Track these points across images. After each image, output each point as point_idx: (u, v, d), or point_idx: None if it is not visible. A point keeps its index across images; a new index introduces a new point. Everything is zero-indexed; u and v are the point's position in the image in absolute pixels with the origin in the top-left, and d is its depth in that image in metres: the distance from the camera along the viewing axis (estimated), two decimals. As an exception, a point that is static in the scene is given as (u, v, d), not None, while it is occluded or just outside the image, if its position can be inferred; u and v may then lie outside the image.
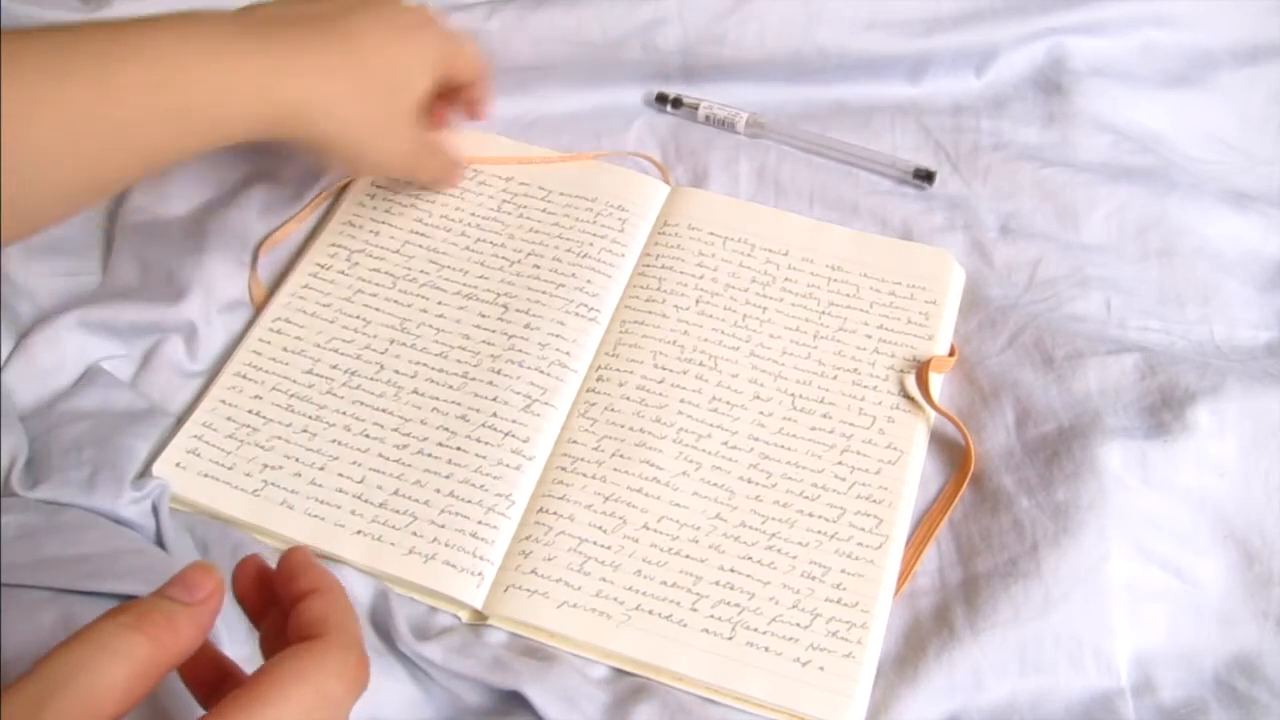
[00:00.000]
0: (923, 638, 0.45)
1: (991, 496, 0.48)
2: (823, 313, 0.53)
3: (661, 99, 0.62)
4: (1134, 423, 0.48)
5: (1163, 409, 0.48)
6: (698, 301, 0.53)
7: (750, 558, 0.46)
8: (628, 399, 0.50)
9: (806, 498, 0.47)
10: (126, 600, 0.37)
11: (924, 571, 0.47)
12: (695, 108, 0.62)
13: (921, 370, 0.50)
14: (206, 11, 0.43)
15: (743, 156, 0.60)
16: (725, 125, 0.61)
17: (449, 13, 0.60)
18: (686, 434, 0.49)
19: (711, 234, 0.55)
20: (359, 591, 0.45)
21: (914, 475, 0.48)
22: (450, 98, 0.53)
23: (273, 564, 0.33)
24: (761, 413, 0.50)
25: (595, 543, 0.46)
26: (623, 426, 0.49)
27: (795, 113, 0.62)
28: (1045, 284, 0.55)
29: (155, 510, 0.45)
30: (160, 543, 0.45)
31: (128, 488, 0.44)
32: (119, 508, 0.44)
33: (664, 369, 0.51)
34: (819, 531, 0.46)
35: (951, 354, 0.52)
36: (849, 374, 0.51)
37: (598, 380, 0.51)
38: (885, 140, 0.60)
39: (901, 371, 0.51)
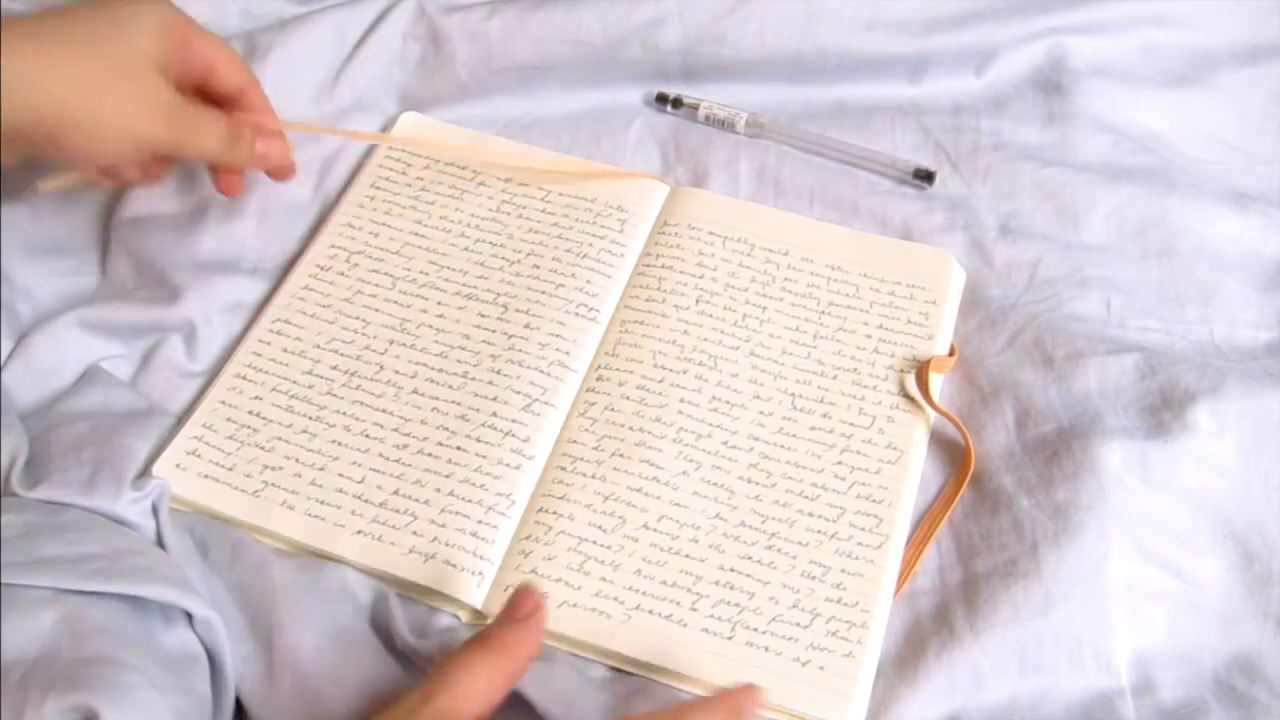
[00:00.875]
0: (923, 638, 0.45)
1: (991, 496, 0.48)
2: (822, 313, 0.53)
3: (661, 99, 0.62)
4: (1134, 423, 0.48)
5: (1163, 409, 0.48)
6: (697, 301, 0.53)
7: (750, 557, 0.46)
8: (627, 399, 0.50)
9: (806, 497, 0.47)
10: (128, 599, 0.38)
11: (924, 571, 0.47)
12: (695, 108, 0.62)
13: (921, 370, 0.50)
14: None
15: (743, 156, 0.60)
16: (725, 125, 0.61)
17: (449, 13, 0.60)
18: (686, 434, 0.49)
19: (711, 234, 0.55)
20: (358, 591, 0.45)
21: (914, 475, 0.48)
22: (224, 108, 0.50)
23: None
24: (761, 412, 0.50)
25: (595, 542, 0.46)
26: (622, 426, 0.49)
27: (795, 113, 0.62)
28: (1045, 284, 0.55)
29: (155, 510, 0.45)
30: (160, 543, 0.45)
31: (128, 488, 0.44)
32: (119, 508, 0.44)
33: (664, 369, 0.51)
34: (819, 531, 0.46)
35: (951, 354, 0.52)
36: (849, 374, 0.51)
37: (597, 380, 0.51)
38: (885, 140, 0.60)
39: (901, 371, 0.51)
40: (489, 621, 0.45)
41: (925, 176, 0.58)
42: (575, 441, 0.49)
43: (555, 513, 0.47)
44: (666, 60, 0.62)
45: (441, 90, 0.61)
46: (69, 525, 0.42)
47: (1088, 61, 0.62)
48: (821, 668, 0.43)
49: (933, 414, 0.50)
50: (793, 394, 0.50)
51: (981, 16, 0.62)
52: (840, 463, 0.48)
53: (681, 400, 0.50)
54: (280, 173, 0.54)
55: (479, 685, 0.36)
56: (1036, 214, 0.57)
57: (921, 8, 0.61)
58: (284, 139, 0.52)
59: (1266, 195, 0.59)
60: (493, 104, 0.62)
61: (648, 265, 0.55)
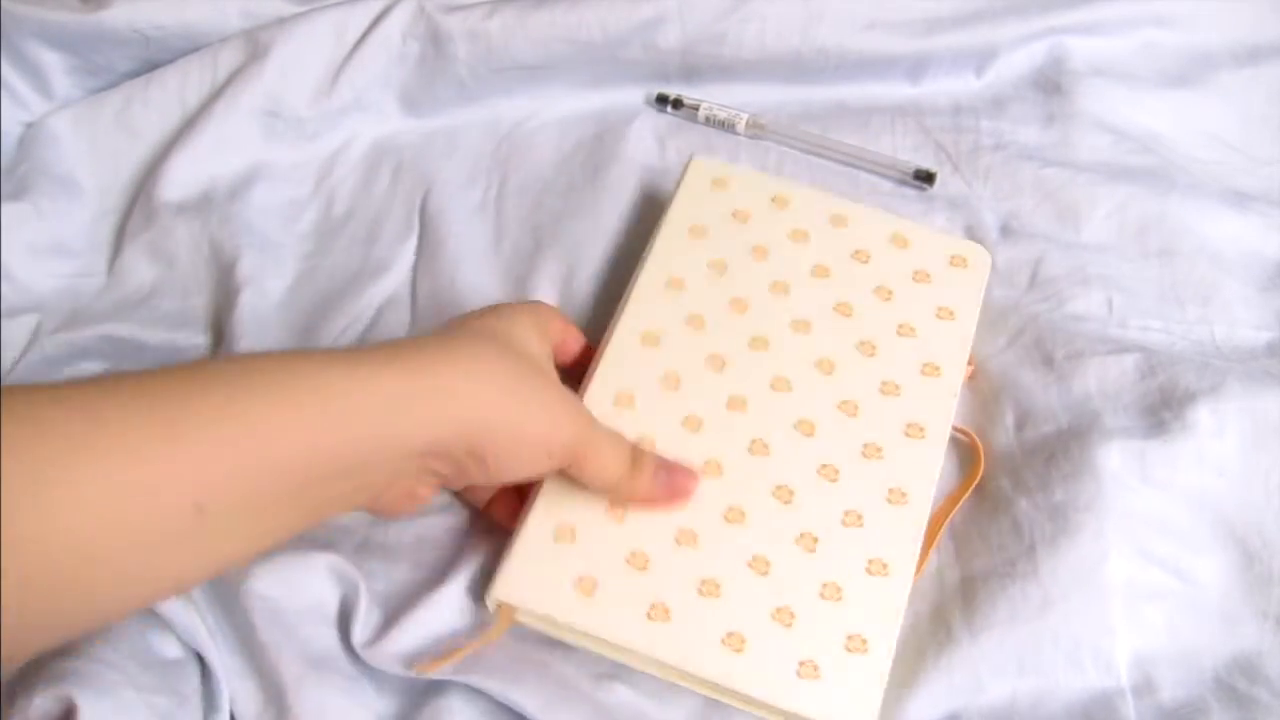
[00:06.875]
0: (921, 638, 0.44)
1: (990, 497, 0.47)
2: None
3: (661, 100, 0.62)
4: (1134, 423, 0.48)
5: (1163, 409, 0.48)
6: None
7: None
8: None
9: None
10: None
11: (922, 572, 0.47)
12: (695, 109, 0.62)
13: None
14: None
15: (743, 158, 0.60)
16: (725, 126, 0.61)
17: (449, 12, 0.60)
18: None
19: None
20: (327, 598, 0.44)
21: (933, 478, 0.47)
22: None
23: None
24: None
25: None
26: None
27: (795, 113, 0.62)
28: (1046, 283, 0.54)
29: None
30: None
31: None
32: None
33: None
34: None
35: (970, 362, 0.50)
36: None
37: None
38: (885, 140, 0.60)
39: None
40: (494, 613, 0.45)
41: (925, 177, 0.58)
42: None
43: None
44: (666, 60, 0.62)
45: (441, 90, 0.61)
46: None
47: (1088, 61, 0.62)
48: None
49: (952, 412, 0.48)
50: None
51: (981, 16, 0.62)
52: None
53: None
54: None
55: None
56: (1037, 214, 0.57)
57: (921, 8, 0.61)
58: (694, 476, 0.46)
59: (1266, 195, 0.59)
60: (493, 104, 0.62)
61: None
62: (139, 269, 0.55)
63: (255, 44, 0.59)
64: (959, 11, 0.62)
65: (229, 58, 0.59)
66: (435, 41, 0.60)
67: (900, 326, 0.50)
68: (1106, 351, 0.50)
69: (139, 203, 0.56)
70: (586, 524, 0.45)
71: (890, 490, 0.46)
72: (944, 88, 0.62)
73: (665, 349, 0.49)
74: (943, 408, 0.48)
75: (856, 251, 0.52)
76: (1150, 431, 0.47)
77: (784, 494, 0.46)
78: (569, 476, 0.43)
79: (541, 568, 0.44)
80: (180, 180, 0.56)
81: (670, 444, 0.47)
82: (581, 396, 0.47)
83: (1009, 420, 0.50)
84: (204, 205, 0.56)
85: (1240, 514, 0.46)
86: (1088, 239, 0.56)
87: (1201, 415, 0.47)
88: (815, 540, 0.45)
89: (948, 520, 0.47)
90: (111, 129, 0.58)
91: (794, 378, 0.49)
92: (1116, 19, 0.62)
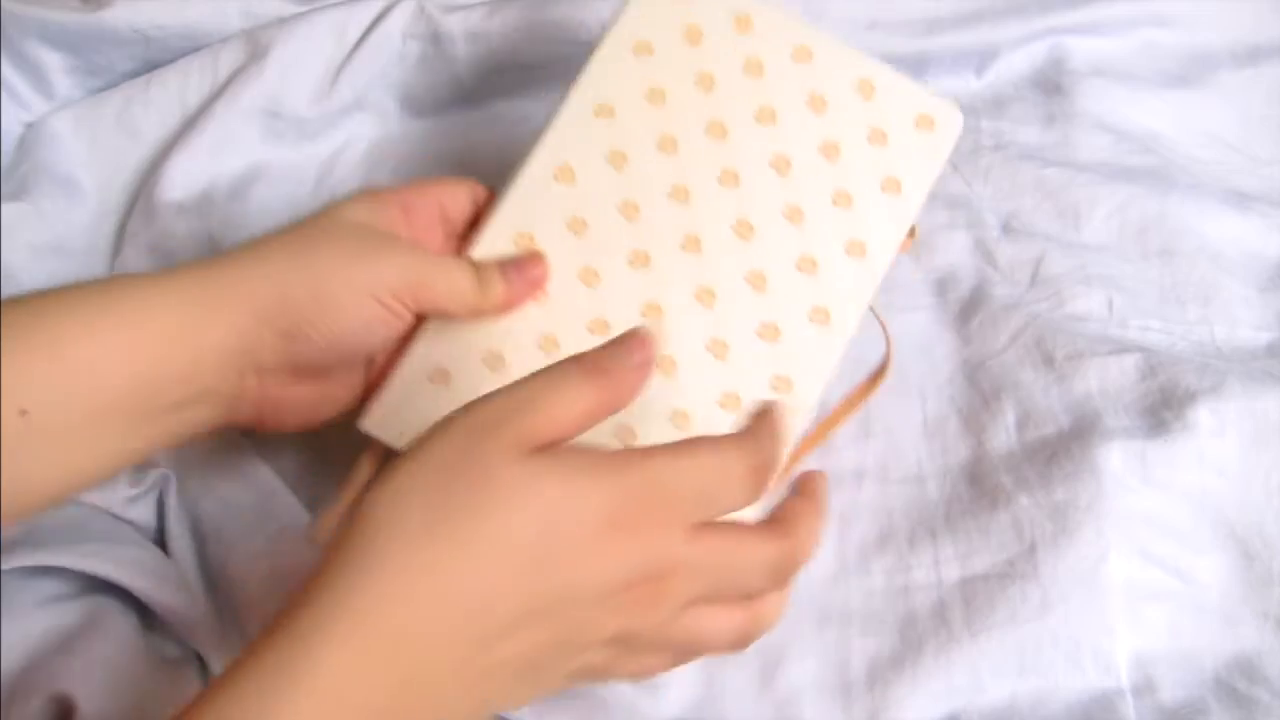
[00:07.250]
0: (920, 636, 0.45)
1: (990, 495, 0.47)
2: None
3: (661, 99, 0.62)
4: (1134, 423, 0.48)
5: (1163, 409, 0.48)
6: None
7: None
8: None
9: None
10: (119, 598, 0.37)
11: (921, 568, 0.46)
12: (695, 108, 0.62)
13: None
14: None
15: (743, 156, 0.60)
16: (725, 125, 0.61)
17: (449, 12, 0.60)
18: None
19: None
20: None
21: (825, 372, 0.44)
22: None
23: None
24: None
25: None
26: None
27: (795, 113, 0.62)
28: (1048, 282, 0.54)
29: (159, 506, 0.45)
30: (162, 542, 0.45)
31: (124, 483, 0.44)
32: (113, 506, 0.44)
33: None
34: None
35: (911, 234, 0.47)
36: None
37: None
38: (885, 140, 0.60)
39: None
40: None
41: (925, 176, 0.58)
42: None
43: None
44: (666, 60, 0.62)
45: (441, 90, 0.61)
46: (69, 520, 0.43)
47: (1088, 61, 0.62)
48: None
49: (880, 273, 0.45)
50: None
51: (981, 16, 0.62)
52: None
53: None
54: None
55: (570, 409, 0.31)
56: (1037, 214, 0.57)
57: (921, 8, 0.61)
58: (541, 260, 0.44)
59: (1266, 195, 0.59)
60: (493, 104, 0.62)
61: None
62: (139, 269, 0.55)
63: (255, 44, 0.59)
64: (959, 11, 0.62)
65: (229, 58, 0.59)
66: (435, 41, 0.60)
67: (837, 194, 0.45)
68: (1107, 351, 0.51)
69: (139, 203, 0.56)
70: (461, 370, 0.43)
71: (777, 377, 0.43)
72: (944, 88, 0.62)
73: (578, 187, 0.45)
74: (858, 294, 0.45)
75: (813, 96, 0.46)
76: (1151, 431, 0.47)
77: (667, 364, 0.43)
78: (438, 315, 0.42)
79: (413, 406, 0.42)
80: (180, 180, 0.56)
81: (560, 296, 0.44)
82: (480, 232, 0.44)
83: (1009, 420, 0.50)
84: (204, 205, 0.56)
85: (1240, 514, 0.47)
86: (1088, 239, 0.56)
87: (1202, 415, 0.47)
88: (687, 419, 0.43)
89: (852, 410, 0.47)
90: (112, 129, 0.58)
91: (707, 239, 0.44)
92: (1116, 19, 0.62)
